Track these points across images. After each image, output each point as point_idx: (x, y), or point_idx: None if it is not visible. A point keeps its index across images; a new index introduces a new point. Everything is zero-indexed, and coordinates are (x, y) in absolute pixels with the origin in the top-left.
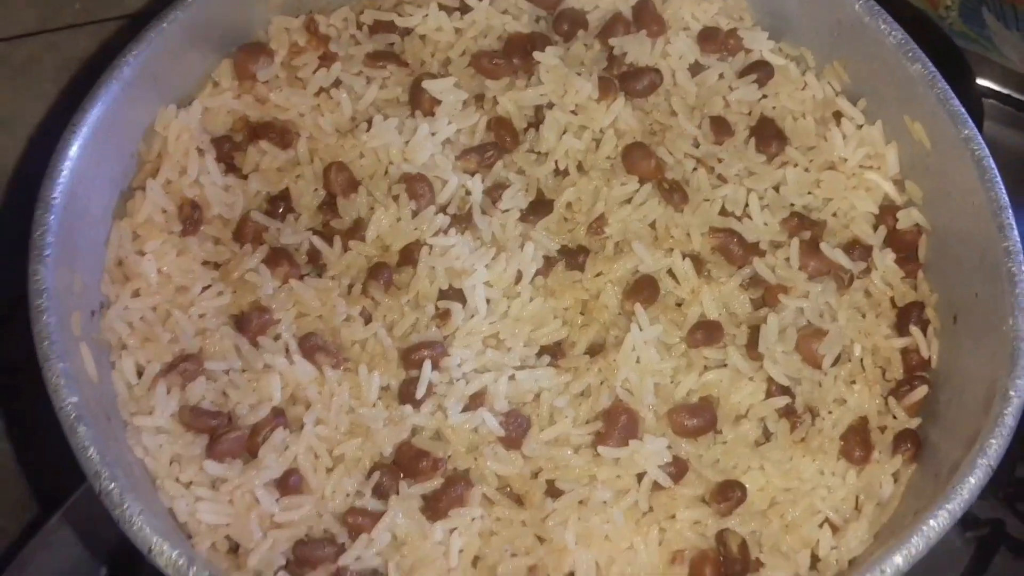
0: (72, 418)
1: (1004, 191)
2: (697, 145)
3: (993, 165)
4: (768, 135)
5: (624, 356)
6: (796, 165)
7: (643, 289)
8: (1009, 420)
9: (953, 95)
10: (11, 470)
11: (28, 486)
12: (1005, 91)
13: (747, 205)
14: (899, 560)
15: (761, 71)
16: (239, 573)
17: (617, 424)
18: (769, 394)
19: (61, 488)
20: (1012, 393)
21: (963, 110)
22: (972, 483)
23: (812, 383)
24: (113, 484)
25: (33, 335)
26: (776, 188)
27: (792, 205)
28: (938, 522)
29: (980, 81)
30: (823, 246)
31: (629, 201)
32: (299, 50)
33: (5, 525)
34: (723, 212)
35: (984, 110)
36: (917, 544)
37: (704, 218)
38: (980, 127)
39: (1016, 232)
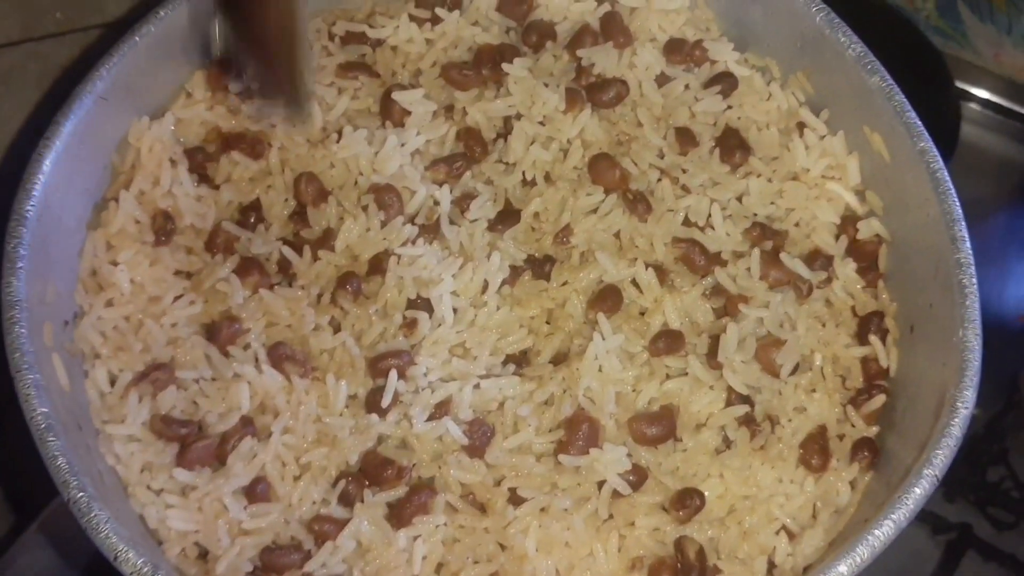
0: (42, 428)
1: (958, 203)
2: (662, 156)
3: (947, 177)
4: (732, 145)
5: (587, 365)
6: (759, 176)
7: (607, 298)
8: (956, 431)
9: (910, 107)
10: None
11: (4, 495)
12: (985, 95)
13: (710, 215)
14: (843, 569)
15: (726, 82)
16: None
17: (578, 432)
18: (729, 403)
19: (38, 497)
20: (960, 404)
21: (919, 122)
22: (918, 493)
23: (772, 392)
24: (81, 493)
25: (5, 346)
26: (739, 198)
27: (755, 215)
28: (883, 531)
29: (960, 85)
30: (783, 256)
31: (595, 211)
32: None
33: None
34: (686, 222)
35: (963, 113)
36: (862, 553)
37: (667, 228)
38: (957, 130)
39: (968, 244)
